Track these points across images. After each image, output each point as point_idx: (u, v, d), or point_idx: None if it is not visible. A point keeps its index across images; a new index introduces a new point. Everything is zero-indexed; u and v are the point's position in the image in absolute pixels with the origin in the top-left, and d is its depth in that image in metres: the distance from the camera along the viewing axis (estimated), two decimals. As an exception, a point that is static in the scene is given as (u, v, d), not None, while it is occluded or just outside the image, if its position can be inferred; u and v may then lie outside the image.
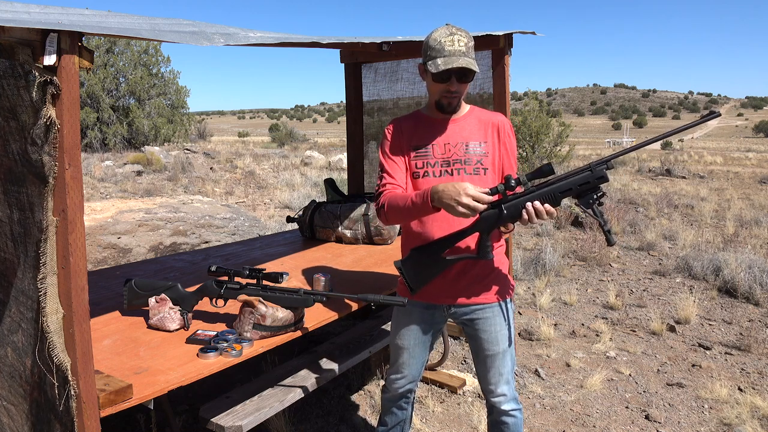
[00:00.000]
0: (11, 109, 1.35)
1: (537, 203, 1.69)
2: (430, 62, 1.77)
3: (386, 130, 1.97)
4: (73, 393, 1.37)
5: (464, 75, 1.79)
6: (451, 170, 1.85)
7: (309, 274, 2.63)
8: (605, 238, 1.66)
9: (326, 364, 2.44)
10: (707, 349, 3.87)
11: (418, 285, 1.86)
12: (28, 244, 1.43)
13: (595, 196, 1.67)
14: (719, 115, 1.67)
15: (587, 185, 1.67)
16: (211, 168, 13.51)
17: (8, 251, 1.53)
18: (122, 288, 2.12)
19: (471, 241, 1.83)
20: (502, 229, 1.82)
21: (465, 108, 1.94)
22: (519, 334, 4.07)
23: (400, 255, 2.78)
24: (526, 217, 1.69)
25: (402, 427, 2.16)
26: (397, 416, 2.14)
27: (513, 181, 1.66)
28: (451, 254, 1.82)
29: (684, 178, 14.93)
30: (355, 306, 2.22)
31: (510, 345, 1.96)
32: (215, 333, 1.88)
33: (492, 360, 1.95)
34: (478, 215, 1.73)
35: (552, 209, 1.69)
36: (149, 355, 1.76)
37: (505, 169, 1.91)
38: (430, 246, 1.82)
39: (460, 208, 1.63)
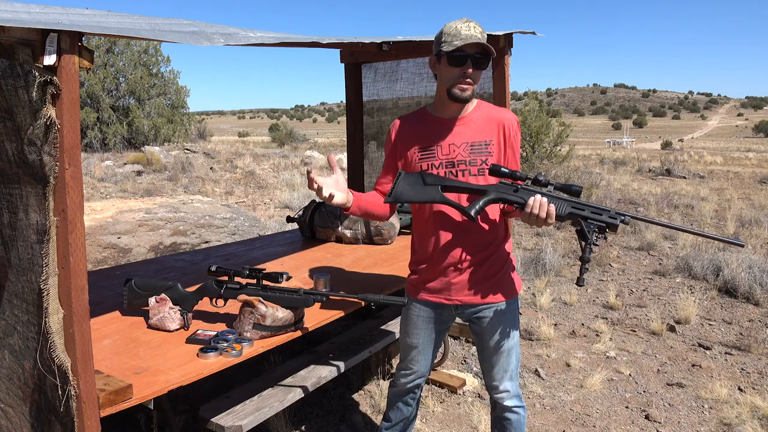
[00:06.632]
0: (8, 110, 1.35)
1: (545, 199, 1.71)
2: (444, 45, 1.76)
3: (389, 129, 1.99)
4: (73, 393, 1.37)
5: (480, 61, 1.76)
6: (455, 171, 1.84)
7: (309, 274, 2.63)
8: (578, 274, 1.67)
9: (326, 364, 2.44)
10: (707, 349, 3.87)
11: (400, 198, 1.83)
12: (21, 246, 1.43)
13: (597, 232, 1.69)
14: (743, 245, 1.76)
15: (597, 217, 1.70)
16: (211, 168, 13.50)
17: (-1, 254, 1.53)
18: (122, 288, 2.12)
19: (471, 198, 1.83)
20: (506, 207, 1.84)
21: (472, 103, 1.91)
22: (519, 333, 4.07)
23: (400, 255, 2.80)
24: (530, 202, 1.71)
25: (406, 425, 2.17)
26: (402, 412, 2.14)
27: (542, 178, 1.73)
28: (448, 196, 1.81)
29: (684, 178, 14.93)
30: (355, 306, 2.22)
31: (515, 342, 1.98)
32: (215, 333, 1.88)
33: (497, 357, 1.97)
34: (497, 181, 1.79)
35: (553, 212, 1.70)
36: (149, 355, 1.76)
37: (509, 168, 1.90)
38: (437, 177, 1.82)
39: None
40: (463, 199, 1.83)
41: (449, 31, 1.76)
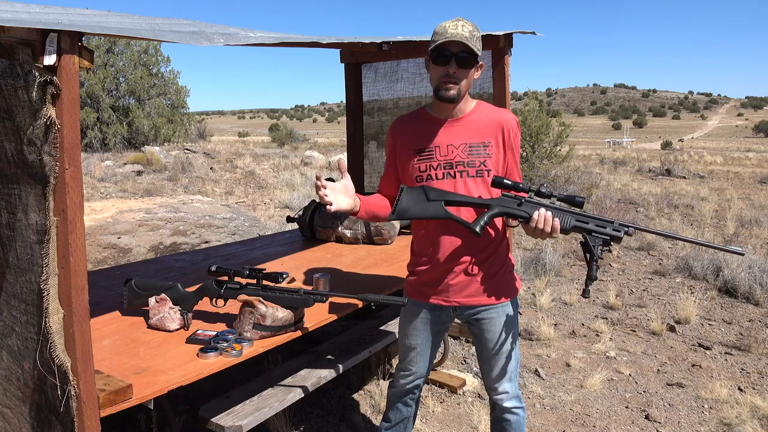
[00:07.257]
0: (7, 110, 1.35)
1: (549, 213, 1.71)
2: (432, 44, 1.75)
3: (389, 129, 1.99)
4: (73, 393, 1.37)
5: (465, 60, 1.74)
6: (454, 173, 1.83)
7: (309, 274, 2.63)
8: (584, 287, 1.68)
9: (326, 364, 2.44)
10: (707, 349, 3.87)
11: (404, 215, 1.81)
12: (19, 246, 1.43)
13: (602, 245, 1.70)
14: (743, 254, 1.78)
15: (602, 230, 1.71)
16: (211, 168, 13.50)
17: (-3, 255, 1.52)
18: (122, 288, 2.12)
19: (475, 213, 1.82)
20: (510, 221, 1.84)
21: (470, 104, 1.89)
22: (519, 334, 4.07)
23: (400, 255, 2.80)
24: (535, 217, 1.72)
25: (405, 425, 2.17)
26: (401, 413, 2.14)
27: (545, 189, 1.73)
28: (451, 211, 1.80)
29: (684, 178, 14.93)
30: (355, 306, 2.22)
31: (514, 343, 1.98)
32: (215, 333, 1.88)
33: (496, 358, 1.96)
34: (500, 194, 1.78)
35: (558, 227, 1.72)
36: (149, 355, 1.76)
37: (509, 170, 1.90)
38: (440, 192, 1.80)
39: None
40: (463, 211, 1.82)
41: (438, 30, 1.75)
